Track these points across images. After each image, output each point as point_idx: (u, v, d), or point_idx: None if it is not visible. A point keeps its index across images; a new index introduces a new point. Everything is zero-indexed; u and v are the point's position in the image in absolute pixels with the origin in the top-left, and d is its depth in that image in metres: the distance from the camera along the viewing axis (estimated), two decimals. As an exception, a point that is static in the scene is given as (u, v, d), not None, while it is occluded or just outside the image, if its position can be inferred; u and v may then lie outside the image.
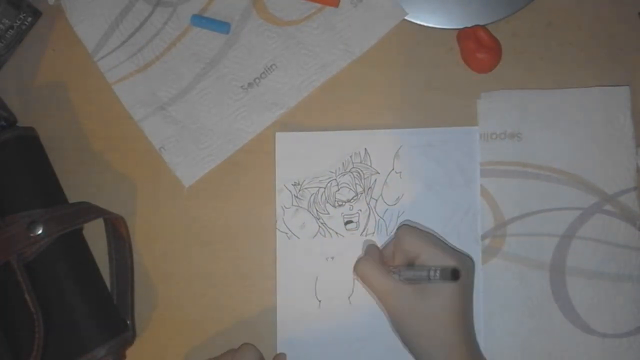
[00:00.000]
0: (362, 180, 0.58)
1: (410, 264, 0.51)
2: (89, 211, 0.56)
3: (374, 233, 0.57)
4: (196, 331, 0.58)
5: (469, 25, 0.57)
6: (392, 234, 0.56)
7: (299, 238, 0.58)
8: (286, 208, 0.58)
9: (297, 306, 0.57)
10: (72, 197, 0.59)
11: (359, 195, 0.58)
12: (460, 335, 0.49)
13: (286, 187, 0.58)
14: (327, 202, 0.58)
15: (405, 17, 0.59)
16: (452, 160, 0.57)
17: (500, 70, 0.58)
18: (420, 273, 0.48)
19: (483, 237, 0.56)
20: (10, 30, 0.60)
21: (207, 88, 0.60)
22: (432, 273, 0.47)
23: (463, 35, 0.57)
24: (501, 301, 0.55)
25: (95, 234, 0.59)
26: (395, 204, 0.57)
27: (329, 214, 0.58)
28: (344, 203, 0.58)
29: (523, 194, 0.56)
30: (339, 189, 0.58)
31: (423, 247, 0.50)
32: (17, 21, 0.60)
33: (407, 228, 0.53)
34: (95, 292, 0.56)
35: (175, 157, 0.60)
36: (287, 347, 0.56)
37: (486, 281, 0.56)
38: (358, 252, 0.57)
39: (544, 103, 0.57)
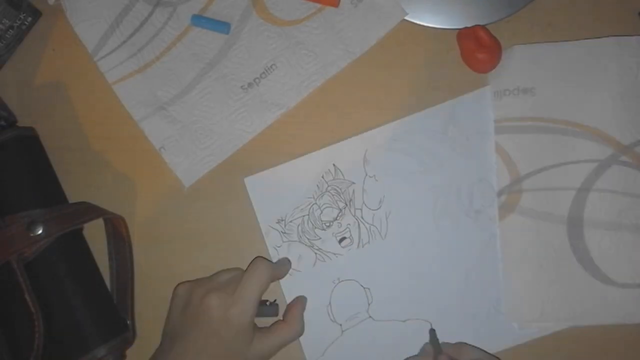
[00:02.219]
0: (341, 195, 0.58)
1: None
2: (89, 211, 0.56)
3: (369, 242, 0.57)
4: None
5: (469, 25, 0.57)
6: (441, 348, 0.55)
7: (300, 271, 0.58)
8: (278, 247, 0.58)
9: (320, 337, 0.57)
10: (72, 197, 0.59)
11: (343, 211, 0.58)
12: None
13: (272, 227, 0.58)
14: (315, 227, 0.58)
15: (405, 17, 0.59)
16: (421, 145, 0.57)
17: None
18: None
19: (499, 194, 0.56)
20: (10, 30, 0.60)
21: (207, 88, 0.60)
22: None
23: (463, 35, 0.57)
24: (519, 256, 0.55)
25: (95, 234, 0.59)
26: (379, 207, 0.58)
27: (320, 238, 0.58)
28: (331, 223, 0.58)
29: (538, 149, 0.56)
30: (322, 212, 0.58)
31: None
32: (17, 21, 0.60)
33: (466, 346, 0.53)
34: (95, 292, 0.56)
35: (175, 157, 0.60)
36: None
37: (504, 237, 0.56)
38: (361, 265, 0.57)
39: (557, 56, 0.57)
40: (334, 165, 0.58)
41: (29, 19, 0.61)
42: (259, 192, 0.58)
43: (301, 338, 0.56)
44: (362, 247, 0.57)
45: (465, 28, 0.57)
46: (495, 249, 0.56)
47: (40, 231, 0.53)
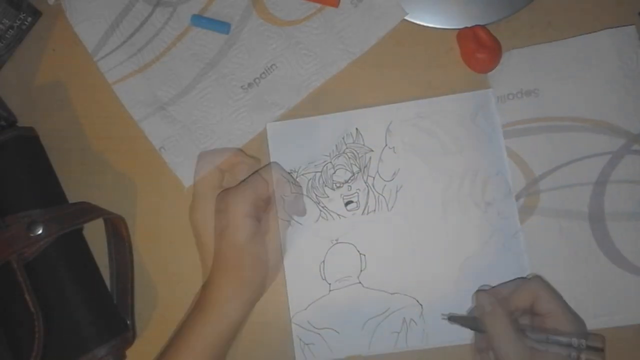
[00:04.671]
0: (357, 160, 0.58)
1: (528, 315, 0.51)
2: (89, 211, 0.56)
3: (375, 210, 0.57)
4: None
5: (469, 25, 0.57)
6: (517, 279, 0.54)
7: (301, 224, 0.58)
8: (285, 197, 0.58)
9: (308, 291, 0.57)
10: (72, 197, 0.59)
11: (355, 175, 0.58)
12: None
13: (283, 176, 0.58)
14: (325, 185, 0.58)
15: (405, 17, 0.59)
16: (446, 127, 0.57)
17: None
18: (563, 340, 0.48)
19: (517, 197, 0.56)
20: (10, 30, 0.60)
21: (207, 88, 0.60)
22: (578, 343, 0.47)
23: (463, 35, 0.57)
24: (546, 258, 0.55)
25: (95, 234, 0.59)
26: (392, 179, 0.58)
27: (328, 197, 0.58)
28: (342, 184, 0.58)
29: (550, 148, 0.56)
30: (335, 172, 0.58)
31: (560, 306, 0.49)
32: (17, 21, 0.60)
33: (544, 281, 0.52)
34: (95, 292, 0.56)
35: (175, 157, 0.60)
36: (302, 333, 0.56)
37: (528, 240, 0.56)
38: (361, 231, 0.57)
39: (556, 55, 0.57)
40: (356, 129, 0.58)
41: (29, 19, 0.61)
42: (278, 140, 0.59)
43: (288, 288, 0.57)
44: (367, 214, 0.58)
45: (465, 28, 0.57)
46: (495, 244, 0.56)
47: (40, 231, 0.53)
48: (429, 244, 0.57)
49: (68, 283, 0.54)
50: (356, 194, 0.58)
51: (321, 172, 0.58)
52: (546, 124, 0.56)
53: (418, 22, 0.59)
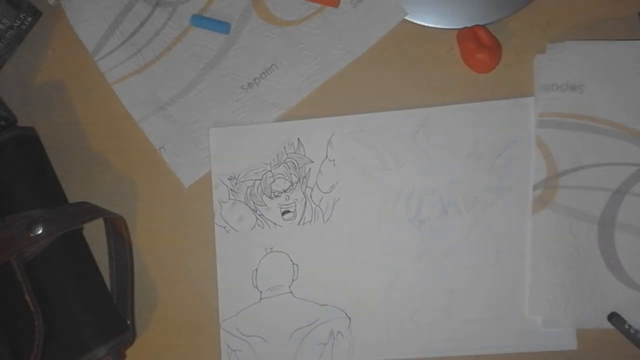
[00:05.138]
0: (297, 170, 0.58)
1: None
2: (89, 211, 0.56)
3: (311, 221, 0.58)
4: (196, 331, 0.58)
5: (469, 25, 0.57)
6: None
7: (237, 231, 0.58)
8: (223, 202, 0.58)
9: (239, 298, 0.58)
10: (72, 197, 0.59)
11: (294, 185, 0.58)
12: None
13: (222, 182, 0.59)
14: (264, 193, 0.58)
15: (405, 17, 0.59)
16: (387, 142, 0.58)
17: (500, 70, 0.58)
18: None
19: (535, 188, 0.56)
20: (10, 30, 0.60)
21: (207, 88, 0.60)
22: None
23: (463, 35, 0.57)
24: (548, 252, 0.55)
25: (95, 234, 0.59)
26: (330, 192, 0.58)
27: (266, 205, 0.58)
28: (280, 194, 0.58)
29: (580, 147, 0.56)
30: (274, 180, 0.58)
31: None
32: (17, 21, 0.60)
33: None
34: (95, 291, 0.56)
35: (175, 157, 0.60)
36: (230, 339, 0.57)
37: (535, 231, 0.56)
38: (296, 241, 0.58)
39: (608, 55, 0.56)
40: (298, 139, 0.59)
41: (29, 19, 0.61)
42: (220, 145, 0.59)
43: (219, 294, 0.57)
44: (303, 224, 0.58)
45: (465, 28, 0.57)
46: (427, 262, 0.56)
47: (40, 231, 0.53)
48: (362, 258, 0.57)
49: (68, 283, 0.54)
50: (293, 204, 0.58)
51: (261, 180, 0.58)
52: (583, 122, 0.56)
53: (418, 22, 0.59)
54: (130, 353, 0.57)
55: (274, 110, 0.60)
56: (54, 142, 0.60)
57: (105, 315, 0.55)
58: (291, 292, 0.57)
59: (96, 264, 0.58)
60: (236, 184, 0.58)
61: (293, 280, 0.57)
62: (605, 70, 0.56)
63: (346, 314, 0.56)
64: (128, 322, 0.57)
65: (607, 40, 0.56)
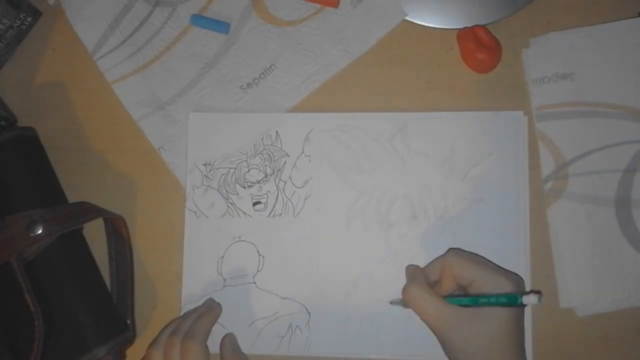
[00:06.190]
0: (272, 162, 0.58)
1: (461, 289, 0.50)
2: (89, 211, 0.56)
3: (281, 214, 0.58)
4: (196, 331, 0.58)
5: (469, 25, 0.57)
6: (436, 259, 0.53)
7: (207, 218, 0.58)
8: (196, 187, 0.59)
9: (202, 284, 0.58)
10: (72, 197, 0.59)
11: (268, 177, 0.58)
12: (517, 357, 0.48)
13: (197, 167, 0.59)
14: (237, 182, 0.58)
15: (405, 17, 0.59)
16: (364, 143, 0.58)
17: (500, 70, 0.58)
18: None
19: (545, 180, 0.56)
20: (10, 30, 0.60)
21: (206, 88, 0.60)
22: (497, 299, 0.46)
23: (463, 35, 0.57)
24: (570, 242, 0.55)
25: (95, 234, 0.59)
26: (303, 187, 0.58)
27: (238, 194, 0.58)
28: (253, 184, 0.58)
29: (582, 133, 0.56)
30: (249, 170, 0.58)
31: (478, 271, 0.49)
32: (17, 21, 0.60)
33: (456, 252, 0.51)
34: (95, 291, 0.56)
35: (174, 156, 0.60)
36: None
37: (553, 223, 0.56)
38: (264, 233, 0.58)
39: (593, 40, 0.56)
40: (277, 131, 0.59)
41: (29, 19, 0.61)
42: (198, 130, 0.59)
43: (184, 278, 0.58)
44: (273, 216, 0.58)
45: (465, 28, 0.57)
46: (391, 265, 0.56)
47: (40, 231, 0.53)
48: (327, 256, 0.57)
49: (68, 283, 0.54)
50: (265, 196, 0.58)
51: (235, 169, 0.58)
52: (580, 108, 0.56)
53: (418, 22, 0.58)
54: (130, 353, 0.57)
55: (274, 111, 0.59)
56: (53, 142, 0.60)
57: (105, 315, 0.55)
58: (254, 283, 0.57)
59: (96, 264, 0.58)
60: (210, 170, 0.59)
61: (258, 271, 0.58)
62: (592, 55, 0.56)
63: (307, 309, 0.57)
64: (128, 322, 0.57)
65: (588, 26, 0.57)
